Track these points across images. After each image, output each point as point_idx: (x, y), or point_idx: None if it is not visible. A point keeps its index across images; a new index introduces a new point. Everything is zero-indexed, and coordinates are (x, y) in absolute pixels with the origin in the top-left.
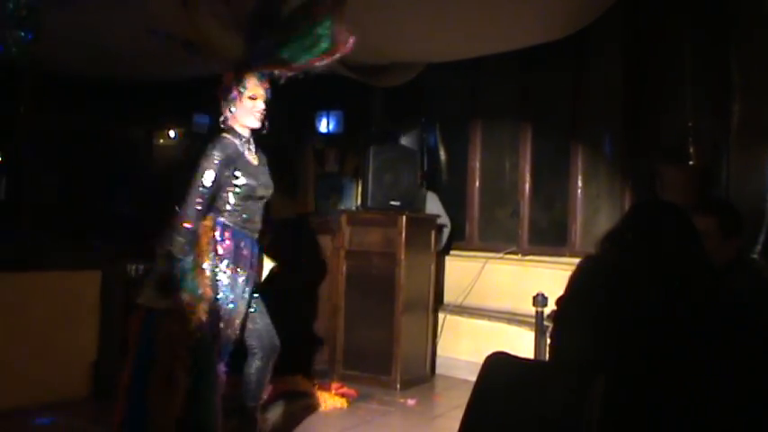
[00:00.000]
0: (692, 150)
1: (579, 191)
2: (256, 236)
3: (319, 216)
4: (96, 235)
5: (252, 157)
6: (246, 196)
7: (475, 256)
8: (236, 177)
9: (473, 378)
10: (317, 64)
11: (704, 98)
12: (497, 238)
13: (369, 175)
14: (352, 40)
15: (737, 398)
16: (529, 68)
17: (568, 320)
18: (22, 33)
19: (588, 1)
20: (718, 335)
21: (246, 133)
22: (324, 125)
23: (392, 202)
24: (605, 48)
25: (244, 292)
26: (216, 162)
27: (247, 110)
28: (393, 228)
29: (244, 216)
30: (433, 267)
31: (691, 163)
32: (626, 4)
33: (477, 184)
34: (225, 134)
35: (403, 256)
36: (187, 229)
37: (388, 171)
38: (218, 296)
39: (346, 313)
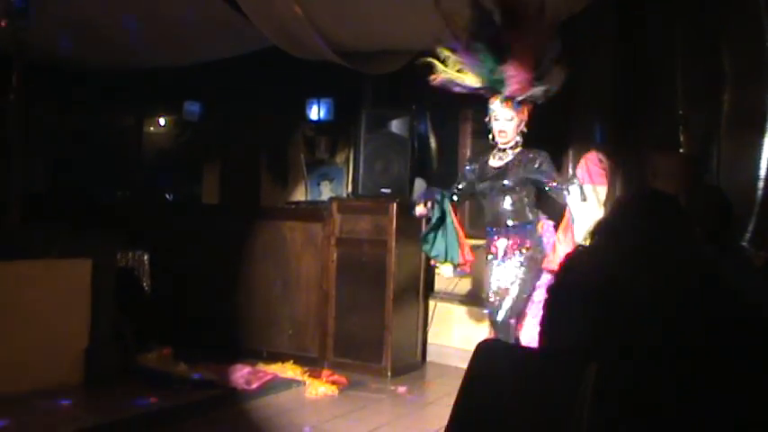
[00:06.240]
0: (682, 138)
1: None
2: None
3: (310, 203)
4: (87, 223)
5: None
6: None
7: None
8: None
9: (464, 365)
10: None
11: (695, 86)
12: None
13: (359, 163)
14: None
15: (734, 388)
16: None
17: (560, 309)
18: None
19: None
20: (717, 324)
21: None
22: (314, 112)
23: (383, 190)
24: (595, 36)
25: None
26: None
27: (494, 128)
28: (384, 215)
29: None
30: (423, 254)
31: (681, 151)
32: None
33: None
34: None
35: (394, 244)
36: None
37: (379, 158)
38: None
39: (337, 301)
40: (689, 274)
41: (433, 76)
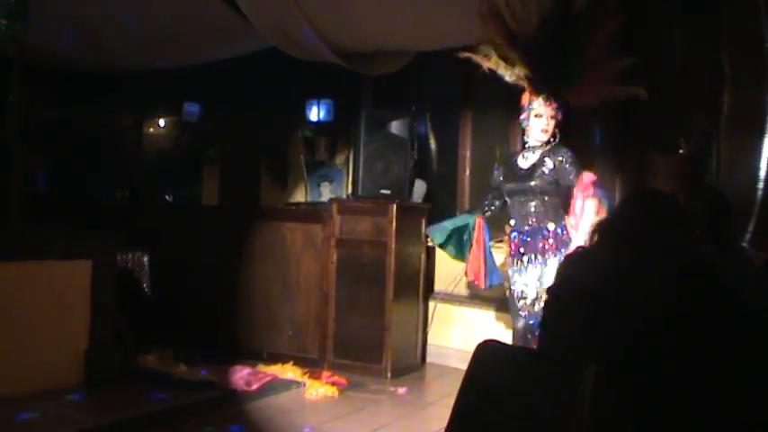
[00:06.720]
0: (682, 139)
1: None
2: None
3: (310, 205)
4: (87, 223)
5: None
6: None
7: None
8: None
9: (464, 366)
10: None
11: (695, 87)
12: None
13: (359, 164)
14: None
15: (734, 387)
16: None
17: (560, 309)
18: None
19: None
20: (717, 323)
21: (535, 144)
22: (314, 113)
23: (383, 191)
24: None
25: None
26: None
27: (534, 126)
28: (383, 216)
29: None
30: (423, 256)
31: (681, 151)
32: None
33: (468, 172)
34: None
35: (393, 245)
36: None
37: (379, 160)
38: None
39: (337, 302)
40: (688, 273)
41: (486, 64)
